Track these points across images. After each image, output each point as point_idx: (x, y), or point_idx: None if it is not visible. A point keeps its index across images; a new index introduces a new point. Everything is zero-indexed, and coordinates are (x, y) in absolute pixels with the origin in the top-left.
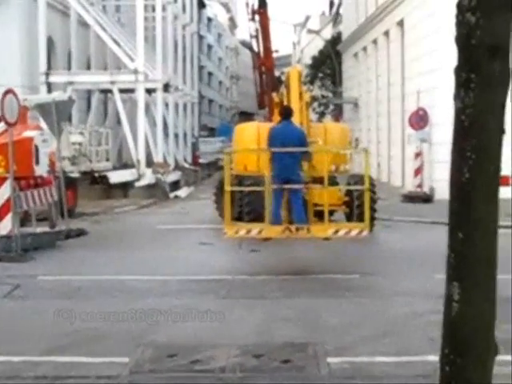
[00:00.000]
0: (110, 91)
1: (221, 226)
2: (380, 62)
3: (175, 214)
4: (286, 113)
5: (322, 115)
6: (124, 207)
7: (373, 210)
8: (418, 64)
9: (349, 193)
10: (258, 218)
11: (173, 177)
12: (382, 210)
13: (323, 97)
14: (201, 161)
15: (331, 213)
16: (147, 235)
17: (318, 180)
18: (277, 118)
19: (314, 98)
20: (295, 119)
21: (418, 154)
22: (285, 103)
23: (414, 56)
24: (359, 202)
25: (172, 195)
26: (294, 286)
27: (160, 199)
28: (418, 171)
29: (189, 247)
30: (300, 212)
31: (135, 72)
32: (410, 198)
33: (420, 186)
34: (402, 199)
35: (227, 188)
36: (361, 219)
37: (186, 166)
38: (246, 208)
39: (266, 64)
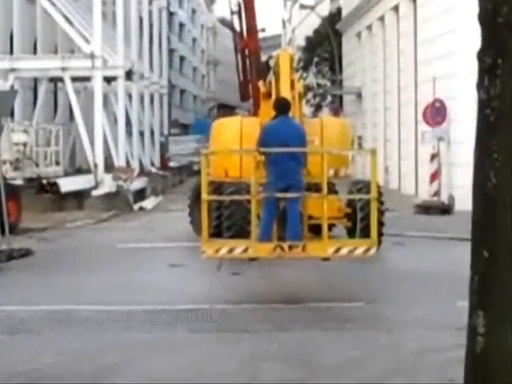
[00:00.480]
0: (60, 80)
1: (196, 244)
2: (388, 43)
3: (140, 229)
4: (283, 106)
5: (317, 108)
6: (78, 221)
7: (380, 223)
8: (433, 46)
9: (351, 203)
10: (240, 233)
11: (137, 184)
12: (390, 223)
13: (319, 86)
14: (171, 164)
15: (329, 227)
16: (106, 255)
17: (314, 187)
18: (266, 112)
19: (308, 88)
20: None
21: (434, 156)
22: (273, 94)
23: (429, 36)
24: (363, 214)
25: (136, 207)
26: (285, 317)
27: (122, 211)
28: (434, 176)
29: (157, 270)
30: (296, 226)
31: (91, 56)
32: (425, 209)
33: (437, 194)
34: (415, 210)
35: (204, 197)
36: (366, 235)
37: (154, 170)
38: (227, 222)
39: (250, 46)
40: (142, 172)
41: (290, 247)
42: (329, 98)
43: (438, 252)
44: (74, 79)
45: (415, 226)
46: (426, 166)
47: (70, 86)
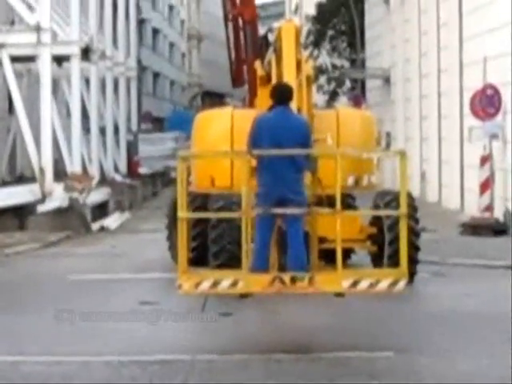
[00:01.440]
0: None
1: (174, 276)
2: (425, 12)
3: (101, 255)
4: (283, 95)
5: (333, 97)
6: (19, 246)
7: (414, 247)
8: (483, 16)
9: (376, 221)
10: (232, 261)
11: (97, 197)
12: (428, 247)
13: (335, 68)
14: (141, 171)
15: (347, 253)
16: (56, 291)
17: (326, 201)
18: (264, 102)
19: (320, 70)
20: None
21: (485, 159)
22: (273, 78)
23: (478, 3)
24: (393, 236)
25: (96, 226)
26: (289, 372)
27: (76, 232)
28: (485, 186)
29: (122, 310)
30: (299, 252)
31: (36, 29)
32: (474, 229)
33: (489, 208)
34: (460, 230)
35: (182, 214)
36: (396, 263)
37: (119, 179)
38: (214, 247)
39: (244, 14)
40: (104, 181)
41: (293, 280)
42: (347, 84)
43: (491, 286)
44: (14, 59)
45: (461, 252)
46: (474, 173)
47: (8, 68)
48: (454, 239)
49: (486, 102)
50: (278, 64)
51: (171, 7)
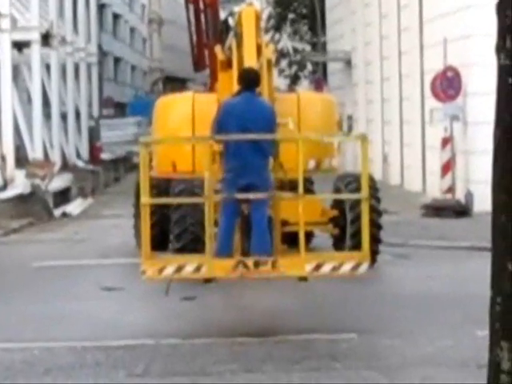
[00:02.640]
0: None
1: (137, 261)
2: None
3: (64, 242)
4: (250, 80)
5: (294, 80)
6: None
7: (376, 226)
8: None
9: (338, 204)
10: (195, 244)
11: (59, 183)
12: (391, 229)
13: (296, 51)
14: (103, 156)
15: (308, 237)
16: (19, 277)
17: (288, 185)
18: (224, 86)
19: (281, 54)
20: None
21: (446, 141)
22: (234, 62)
23: None
24: (354, 217)
25: (58, 212)
26: (254, 354)
27: (39, 219)
28: (446, 167)
29: (85, 295)
30: (263, 236)
31: None
32: (436, 210)
33: (451, 190)
34: (422, 212)
35: (144, 200)
36: (358, 244)
37: (81, 165)
38: (176, 228)
39: None
40: (66, 167)
41: (256, 264)
42: (309, 67)
43: (453, 266)
44: None
45: (423, 233)
46: (435, 155)
47: None
48: (416, 221)
49: (447, 84)
50: (239, 48)
51: None
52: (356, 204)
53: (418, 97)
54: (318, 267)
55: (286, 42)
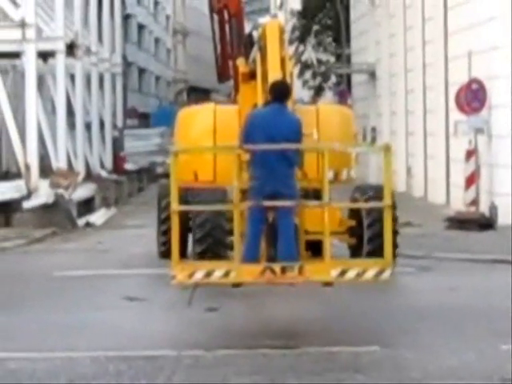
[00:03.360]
0: None
1: (160, 271)
2: (410, 6)
3: (86, 252)
4: (281, 92)
5: (318, 91)
6: (4, 242)
7: (394, 233)
8: (468, 10)
9: (355, 215)
10: (216, 247)
11: (83, 193)
12: (414, 242)
13: (320, 63)
14: (127, 167)
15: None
16: (41, 287)
17: (311, 194)
18: (246, 98)
19: (305, 65)
20: None
21: (470, 153)
22: (258, 75)
23: None
24: (370, 223)
25: (81, 222)
26: (277, 366)
27: (62, 228)
28: (471, 180)
29: (108, 305)
30: (290, 243)
31: (21, 25)
32: (459, 223)
33: (475, 203)
34: (446, 225)
35: (174, 207)
36: (374, 250)
37: (104, 174)
38: (198, 233)
39: (230, 6)
40: (89, 177)
41: (283, 270)
42: (333, 79)
43: (476, 280)
44: None
45: (446, 246)
46: (460, 167)
47: None
48: (440, 234)
49: (472, 97)
50: (263, 61)
51: (156, 2)
52: (372, 210)
53: (442, 109)
54: (343, 273)
55: (310, 54)
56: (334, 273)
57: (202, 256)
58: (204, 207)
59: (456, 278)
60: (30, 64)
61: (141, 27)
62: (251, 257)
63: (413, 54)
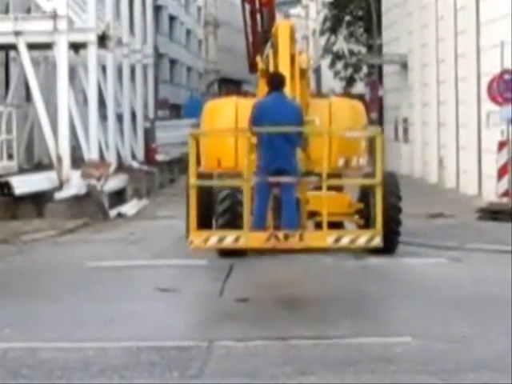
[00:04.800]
0: (13, 47)
1: (191, 262)
2: None
3: (118, 242)
4: (277, 81)
5: (350, 82)
6: (37, 233)
7: (397, 210)
8: (500, 0)
9: (364, 198)
10: (236, 220)
11: (114, 184)
12: (446, 232)
13: (352, 53)
14: (159, 158)
15: (339, 226)
16: (74, 278)
17: (318, 177)
18: (264, 91)
19: (337, 56)
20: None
21: (503, 144)
22: (270, 69)
23: None
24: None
25: (113, 213)
26: (308, 357)
27: (94, 219)
28: (503, 171)
29: (140, 296)
30: (292, 214)
31: (53, 16)
32: (492, 214)
33: (507, 194)
34: (478, 216)
35: (193, 181)
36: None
37: (136, 166)
38: (220, 207)
39: None
40: (121, 168)
41: (286, 237)
42: (364, 69)
43: (508, 271)
44: (31, 46)
45: (478, 237)
46: (492, 158)
47: (25, 56)
48: (472, 224)
49: (504, 87)
50: (275, 57)
51: None
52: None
53: (474, 100)
54: (337, 239)
55: (341, 44)
56: (330, 239)
57: (223, 227)
58: (218, 183)
59: (488, 269)
60: (61, 55)
61: (172, 18)
62: (258, 225)
63: (445, 45)
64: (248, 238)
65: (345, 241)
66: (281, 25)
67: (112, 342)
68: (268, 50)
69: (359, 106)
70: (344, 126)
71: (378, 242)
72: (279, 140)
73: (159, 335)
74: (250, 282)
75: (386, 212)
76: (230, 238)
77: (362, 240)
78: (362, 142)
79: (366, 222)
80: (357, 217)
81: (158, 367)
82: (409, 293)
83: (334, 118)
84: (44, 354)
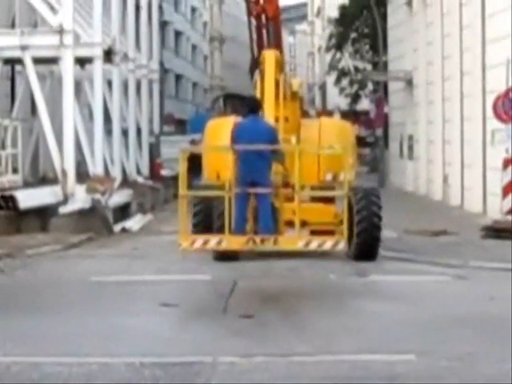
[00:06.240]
0: (19, 61)
1: (195, 277)
2: (447, 14)
3: (123, 257)
4: (252, 106)
5: (355, 99)
6: (41, 247)
7: (377, 217)
8: (506, 18)
9: (348, 209)
10: (207, 230)
11: (119, 198)
12: (450, 250)
13: (357, 70)
14: (164, 173)
15: (329, 233)
16: (78, 292)
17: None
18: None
19: (342, 73)
20: (268, 114)
21: (508, 162)
22: (258, 92)
23: (501, 6)
24: (359, 220)
25: (118, 228)
26: (312, 374)
27: (98, 234)
28: (508, 189)
29: (144, 311)
30: (267, 220)
31: (59, 31)
32: (496, 232)
33: None
34: (483, 234)
35: (182, 192)
36: (363, 240)
37: (141, 180)
38: (216, 212)
39: (268, 10)
40: (126, 183)
41: (262, 240)
42: (370, 86)
43: None
44: (37, 61)
45: (483, 255)
46: (497, 176)
47: (31, 70)
48: (476, 242)
49: (509, 105)
50: (262, 82)
51: (194, 9)
52: (361, 209)
53: (479, 117)
54: (307, 244)
55: (347, 61)
56: (301, 243)
57: (220, 229)
58: (204, 193)
59: (492, 287)
60: (67, 70)
61: (178, 34)
62: (238, 230)
63: (450, 62)
64: (229, 240)
65: (313, 245)
66: (267, 53)
67: (115, 358)
68: (256, 76)
69: (347, 125)
70: (331, 143)
71: (342, 246)
72: (253, 156)
73: (163, 351)
74: (253, 297)
75: (368, 219)
76: (213, 241)
77: (328, 244)
78: (350, 159)
79: (350, 232)
80: (341, 227)
81: (162, 383)
82: (412, 310)
83: (323, 136)
84: (47, 369)
